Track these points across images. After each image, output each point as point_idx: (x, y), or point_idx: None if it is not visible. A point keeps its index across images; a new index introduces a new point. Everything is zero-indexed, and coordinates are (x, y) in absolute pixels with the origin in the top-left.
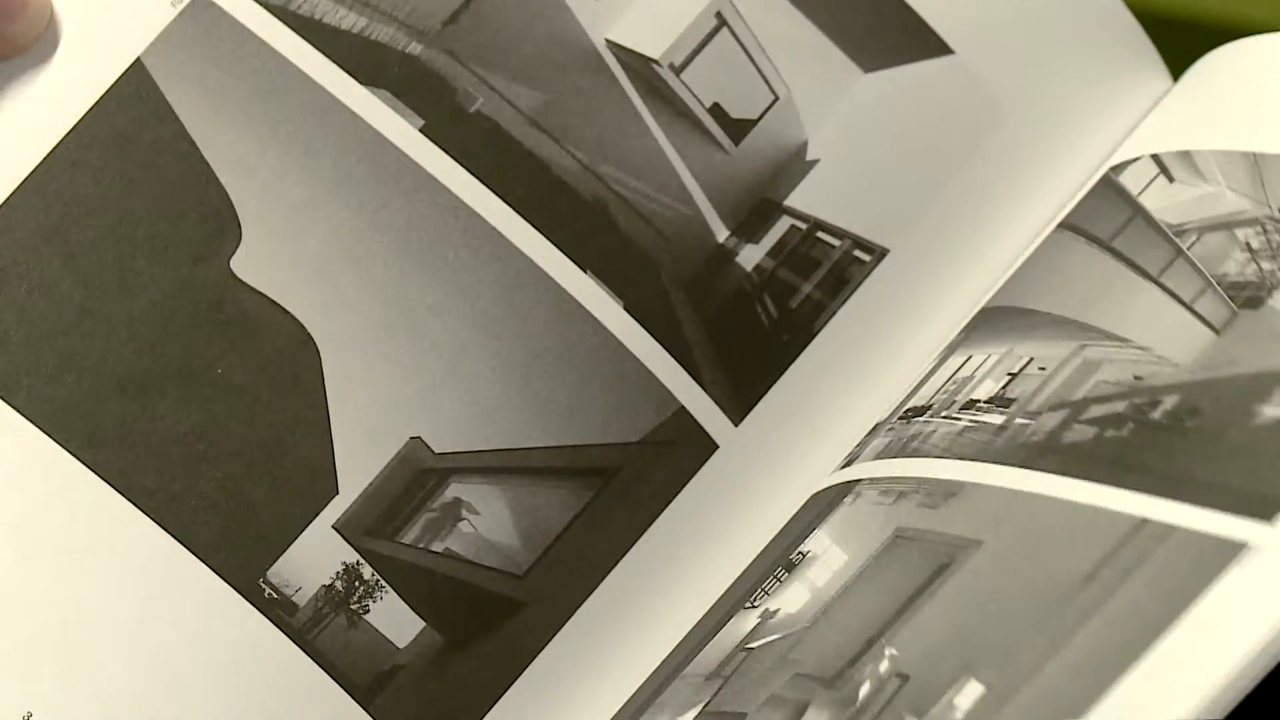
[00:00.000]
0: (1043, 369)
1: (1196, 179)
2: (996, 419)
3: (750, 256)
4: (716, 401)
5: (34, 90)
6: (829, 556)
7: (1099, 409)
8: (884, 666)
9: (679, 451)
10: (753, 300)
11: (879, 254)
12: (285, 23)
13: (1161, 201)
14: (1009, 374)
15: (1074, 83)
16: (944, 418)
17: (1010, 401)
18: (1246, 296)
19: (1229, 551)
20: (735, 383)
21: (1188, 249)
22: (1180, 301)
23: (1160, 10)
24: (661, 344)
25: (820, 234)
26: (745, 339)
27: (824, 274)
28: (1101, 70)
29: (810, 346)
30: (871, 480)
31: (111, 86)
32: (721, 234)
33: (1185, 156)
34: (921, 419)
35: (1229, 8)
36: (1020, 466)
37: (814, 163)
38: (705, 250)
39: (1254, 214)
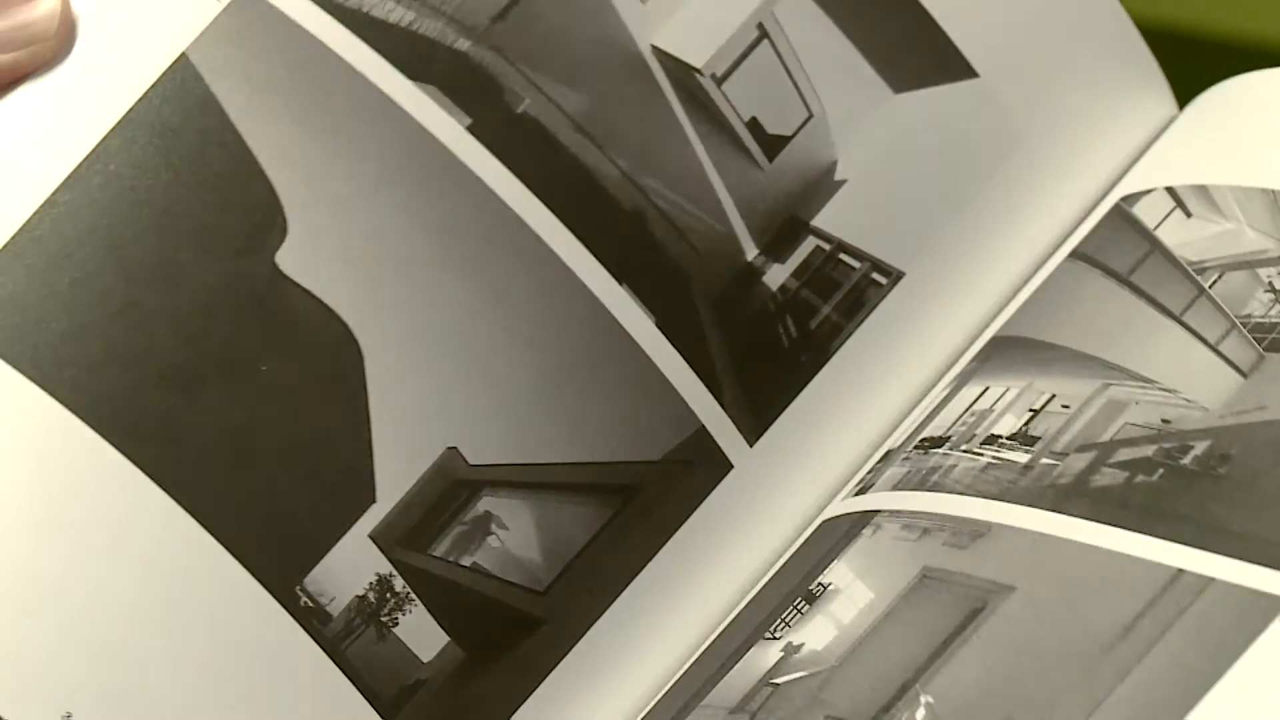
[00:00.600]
0: (1066, 407)
1: (1214, 214)
2: (1021, 457)
3: (776, 276)
4: (734, 421)
5: (79, 84)
6: (853, 591)
7: (1127, 452)
8: (920, 714)
9: (696, 471)
10: (775, 320)
11: (895, 276)
12: (332, 15)
13: (1179, 237)
14: (1031, 410)
15: (1084, 106)
16: (964, 452)
17: (1034, 440)
18: (1272, 339)
19: (1269, 606)
20: (753, 403)
21: (1209, 287)
22: (1205, 343)
23: (1163, 25)
24: (687, 361)
25: (842, 255)
26: (766, 359)
27: (842, 296)
28: (1110, 94)
29: (826, 368)
30: (892, 513)
31: (157, 80)
32: (751, 252)
33: (1201, 191)
34: (940, 451)
35: (1233, 22)
36: (1049, 509)
37: (841, 183)
38: (734, 267)
39: (1277, 253)
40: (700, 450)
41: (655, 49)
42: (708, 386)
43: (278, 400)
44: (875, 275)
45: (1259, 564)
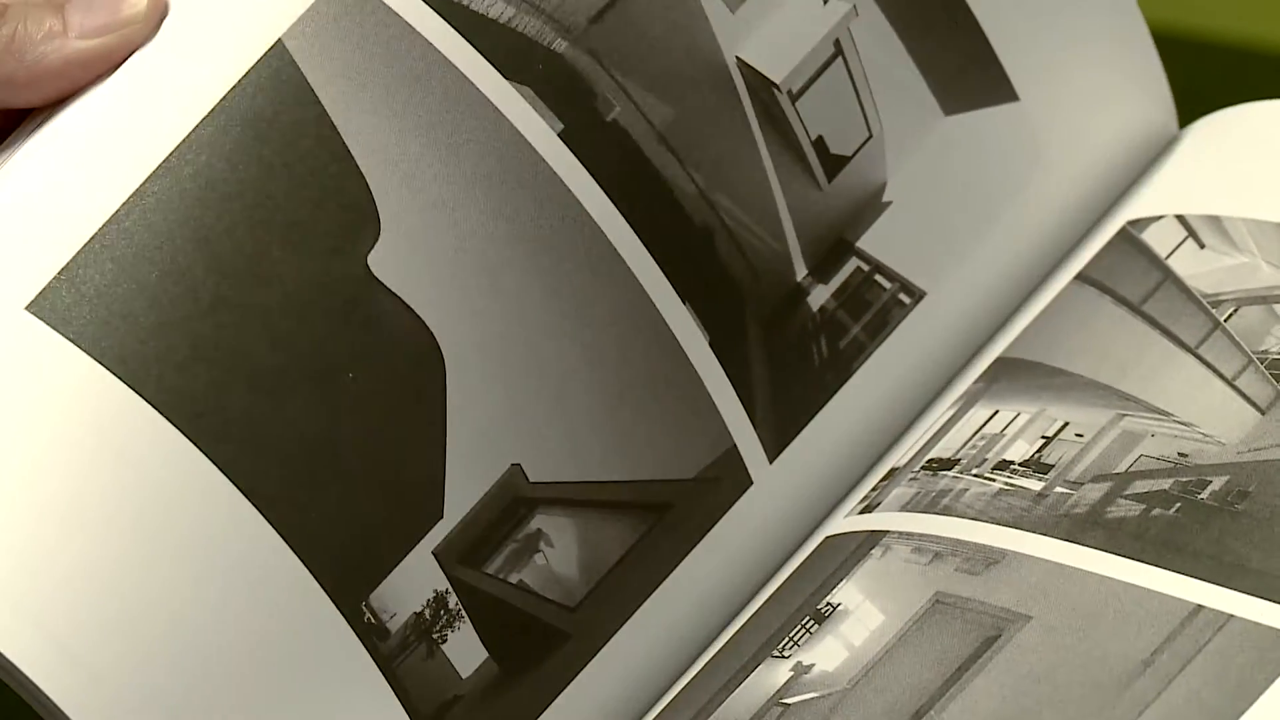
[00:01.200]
0: (1080, 435)
1: (1229, 248)
2: (1034, 485)
3: (819, 297)
4: (760, 439)
5: (172, 69)
6: (863, 613)
7: (1144, 484)
8: None
9: (719, 487)
10: (812, 340)
11: (918, 296)
12: (431, 7)
13: (1193, 268)
14: (1043, 437)
15: (1100, 125)
16: (975, 476)
17: (1048, 467)
18: None
19: None
20: (779, 420)
21: (1225, 321)
22: (1222, 377)
23: (1164, 26)
24: (731, 381)
25: (877, 275)
26: (798, 378)
27: (871, 316)
28: (1122, 111)
29: (846, 386)
30: (901, 534)
31: (252, 67)
32: (800, 272)
33: (1214, 222)
34: (950, 474)
35: (1237, 26)
36: (1064, 539)
37: (887, 204)
38: (784, 288)
39: None
40: (727, 467)
41: (739, 61)
42: (744, 406)
43: (361, 409)
44: (902, 295)
45: (1279, 602)
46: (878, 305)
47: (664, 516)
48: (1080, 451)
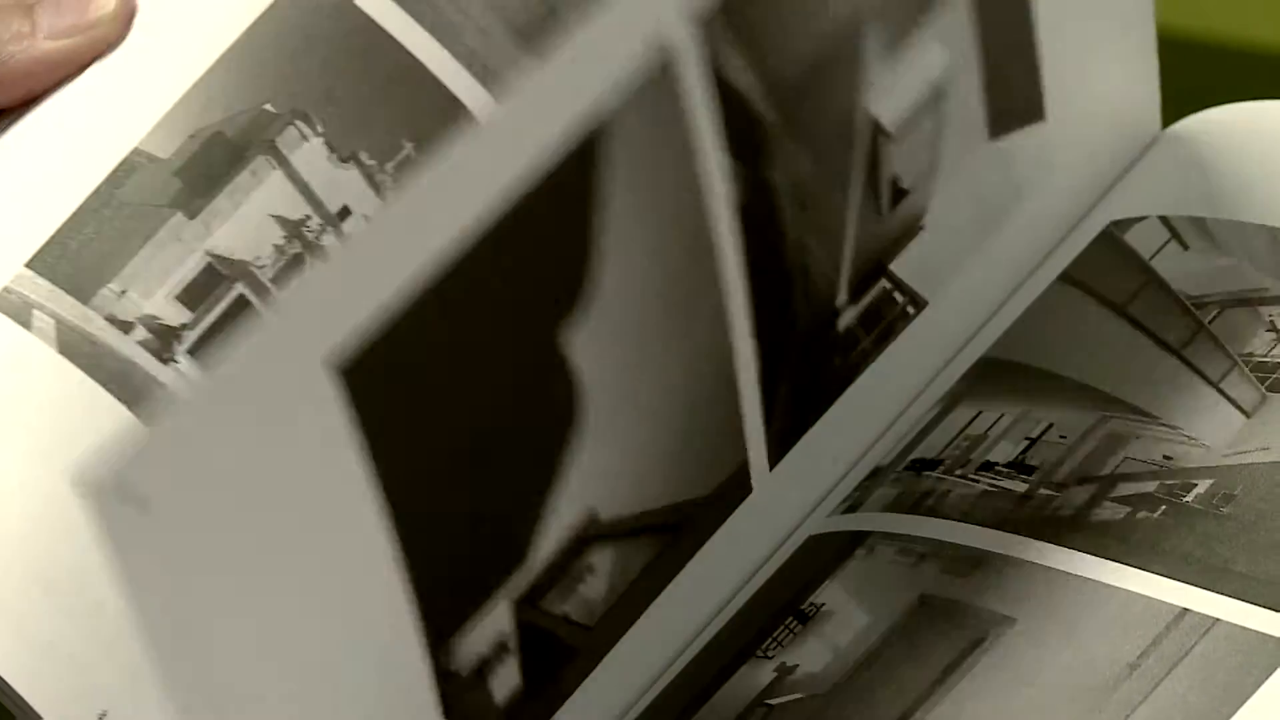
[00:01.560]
0: (1064, 437)
1: (1213, 249)
2: (1019, 486)
3: (848, 318)
4: (767, 449)
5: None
6: (847, 614)
7: (1128, 487)
8: None
9: (725, 498)
10: (833, 357)
11: (921, 306)
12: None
13: (1177, 269)
14: (1028, 439)
15: (1091, 129)
16: (959, 477)
17: (1032, 469)
18: (1275, 379)
19: (1276, 649)
20: (784, 431)
21: (1209, 323)
22: (1207, 380)
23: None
24: (763, 407)
25: (895, 292)
26: (812, 393)
27: (882, 327)
28: (1119, 118)
29: (845, 394)
30: (886, 535)
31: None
32: (842, 297)
33: (1199, 223)
34: (933, 474)
35: (1225, 26)
36: (1049, 541)
37: (922, 228)
38: (826, 314)
39: (1277, 291)
40: (735, 479)
41: (869, 115)
42: (765, 424)
43: (514, 475)
44: (909, 307)
45: (1265, 607)
46: (889, 319)
47: (679, 533)
48: (1065, 453)
